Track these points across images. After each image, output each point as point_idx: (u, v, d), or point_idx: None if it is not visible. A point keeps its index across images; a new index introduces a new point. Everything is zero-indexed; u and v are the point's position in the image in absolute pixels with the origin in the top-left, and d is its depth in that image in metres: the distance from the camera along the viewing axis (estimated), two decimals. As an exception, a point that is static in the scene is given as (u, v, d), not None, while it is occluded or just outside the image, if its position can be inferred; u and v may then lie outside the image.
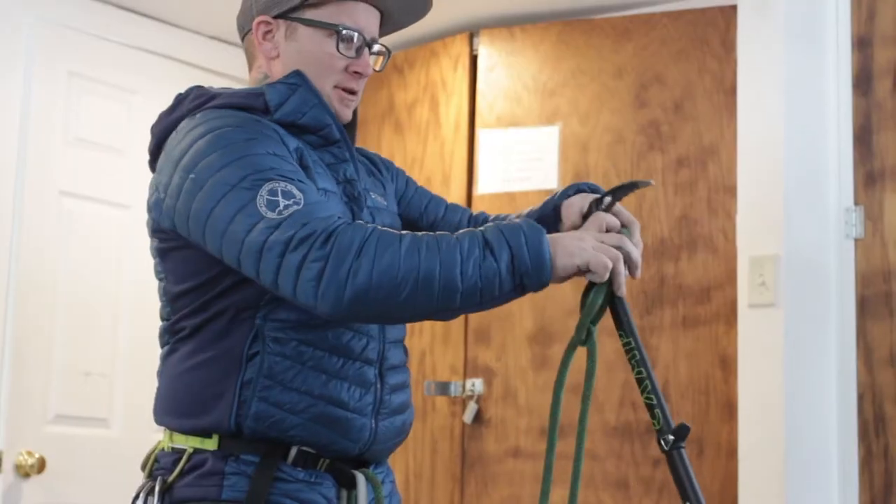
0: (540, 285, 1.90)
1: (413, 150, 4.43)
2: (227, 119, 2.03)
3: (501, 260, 1.86)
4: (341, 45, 2.15)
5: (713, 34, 3.96)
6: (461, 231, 1.90)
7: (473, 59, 4.35)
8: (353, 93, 2.19)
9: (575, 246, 1.96)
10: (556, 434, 2.26)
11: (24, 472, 3.88)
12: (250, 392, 1.99)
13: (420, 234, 1.87)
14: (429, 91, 4.43)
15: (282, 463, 2.01)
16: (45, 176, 4.04)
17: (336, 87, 2.17)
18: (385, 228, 1.88)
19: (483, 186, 4.22)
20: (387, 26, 2.29)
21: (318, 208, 1.89)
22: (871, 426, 3.47)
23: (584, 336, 2.19)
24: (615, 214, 2.21)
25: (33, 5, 4.06)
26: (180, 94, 2.20)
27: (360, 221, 1.90)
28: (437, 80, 4.42)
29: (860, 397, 3.50)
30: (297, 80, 2.14)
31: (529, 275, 1.88)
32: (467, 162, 4.27)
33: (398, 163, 4.45)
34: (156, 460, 2.10)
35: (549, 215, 2.34)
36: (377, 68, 2.26)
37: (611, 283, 2.09)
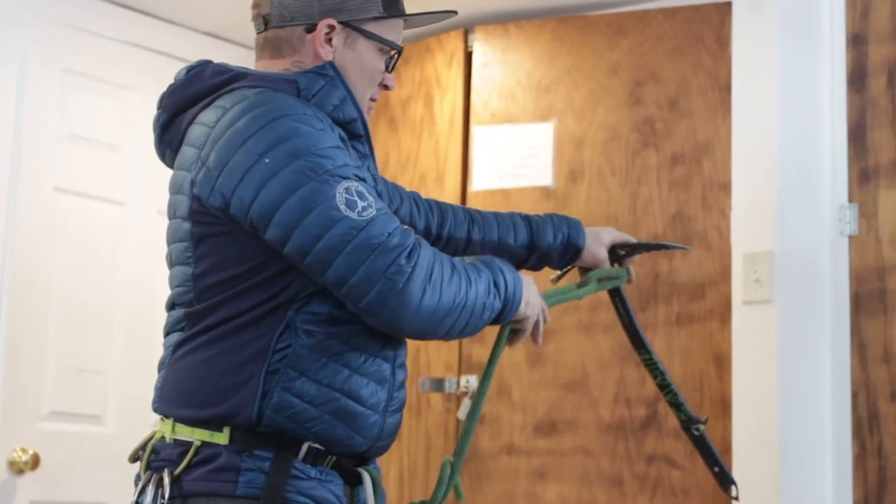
0: (496, 322, 2.17)
1: (407, 146, 4.43)
2: (293, 105, 2.03)
3: (495, 304, 2.10)
4: (388, 62, 2.24)
5: (708, 31, 3.96)
6: (477, 262, 2.11)
7: (468, 56, 4.35)
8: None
9: (534, 298, 2.21)
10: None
11: (18, 469, 3.88)
12: (275, 382, 2.00)
13: (458, 261, 2.06)
14: (423, 87, 4.43)
15: (294, 459, 2.01)
16: (40, 172, 4.04)
17: (370, 97, 2.25)
18: (436, 250, 2.03)
19: (477, 183, 4.22)
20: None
21: (390, 217, 1.98)
22: (866, 423, 3.48)
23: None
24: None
25: (29, 2, 4.05)
26: (193, 68, 2.18)
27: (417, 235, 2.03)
28: (431, 77, 4.42)
29: (854, 394, 3.50)
30: (329, 71, 2.15)
31: (502, 318, 2.15)
32: (462, 159, 4.27)
33: (393, 160, 4.49)
34: (154, 451, 2.08)
35: (554, 250, 2.57)
36: None
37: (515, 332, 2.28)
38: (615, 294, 2.59)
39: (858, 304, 3.53)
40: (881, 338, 3.48)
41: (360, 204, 1.95)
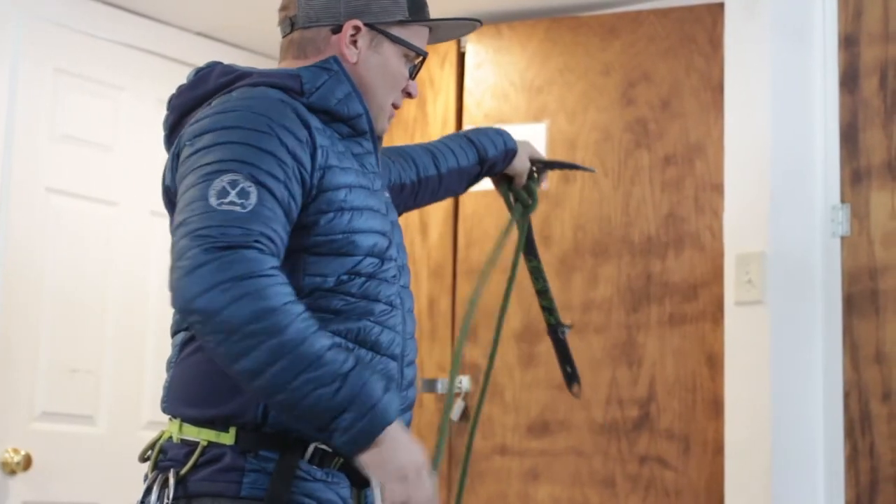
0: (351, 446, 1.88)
1: (400, 147, 4.43)
2: (259, 104, 2.02)
3: (345, 417, 1.84)
4: (412, 69, 2.23)
5: (700, 32, 3.97)
6: (362, 359, 1.92)
7: (461, 57, 4.35)
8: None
9: (413, 474, 1.93)
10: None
11: (9, 470, 3.87)
12: None
13: (298, 338, 1.82)
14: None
15: (300, 461, 1.99)
16: (32, 173, 4.03)
17: (392, 103, 2.23)
18: (285, 289, 1.84)
19: (470, 184, 4.21)
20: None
21: (255, 221, 1.88)
22: (857, 424, 3.48)
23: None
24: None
25: (20, 1, 4.04)
26: (201, 69, 2.17)
27: (272, 257, 1.87)
28: (424, 78, 4.41)
29: (846, 395, 3.51)
30: (333, 65, 2.14)
31: (340, 437, 1.86)
32: (455, 159, 4.27)
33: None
34: (161, 451, 2.05)
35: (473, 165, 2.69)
36: None
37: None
38: (525, 217, 2.83)
39: (850, 305, 3.53)
40: (873, 338, 3.49)
41: (230, 199, 1.88)
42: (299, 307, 1.84)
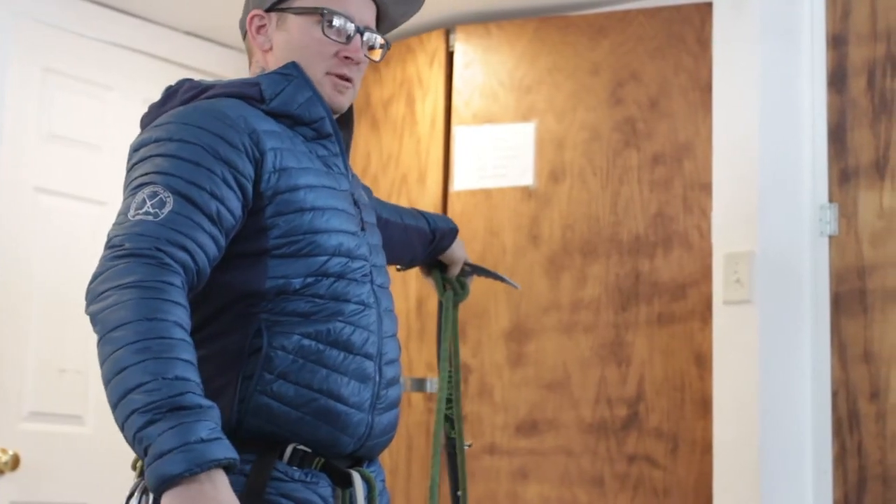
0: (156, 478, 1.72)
1: (389, 146, 4.43)
2: (191, 115, 2.03)
3: (150, 438, 1.71)
4: (328, 29, 2.17)
5: (689, 31, 3.97)
6: (182, 370, 1.77)
7: (449, 56, 4.35)
8: (346, 79, 2.20)
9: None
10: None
11: (-2, 470, 3.87)
12: (252, 386, 1.98)
13: (162, 329, 1.78)
14: (405, 87, 4.43)
15: (278, 462, 2.00)
16: (20, 172, 4.03)
17: (328, 73, 2.18)
18: (159, 298, 1.81)
19: (459, 183, 4.22)
20: (383, 23, 2.33)
21: (164, 231, 1.88)
22: (845, 423, 3.49)
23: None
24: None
25: (8, 1, 4.03)
26: (170, 87, 2.20)
27: (172, 269, 1.85)
28: (413, 77, 4.42)
29: (834, 394, 3.51)
30: (292, 71, 2.16)
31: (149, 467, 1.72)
32: (443, 159, 4.27)
33: (374, 160, 4.49)
34: None
35: (425, 233, 2.74)
36: (375, 58, 2.28)
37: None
38: (455, 306, 2.89)
39: (838, 304, 3.54)
40: (861, 338, 3.50)
41: (146, 209, 1.90)
42: (158, 325, 1.78)
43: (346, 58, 2.18)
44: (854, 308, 3.52)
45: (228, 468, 1.74)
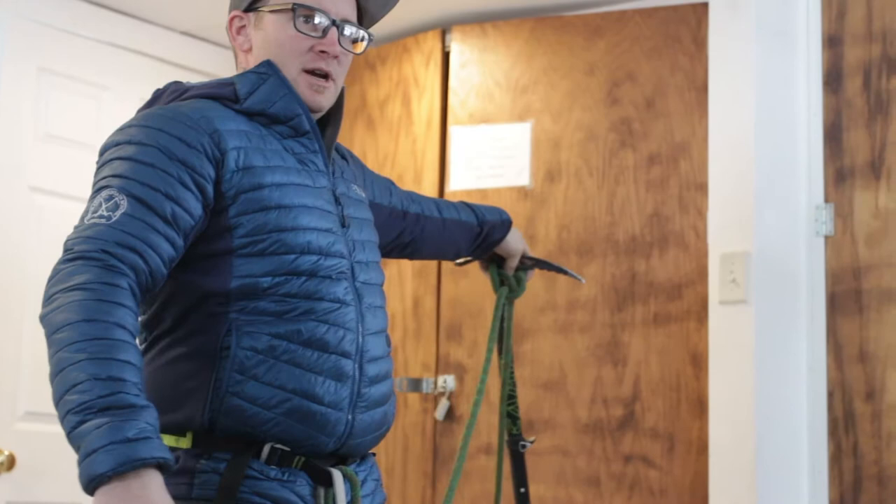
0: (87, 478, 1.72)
1: (385, 146, 4.43)
2: (150, 118, 2.05)
3: (87, 437, 1.72)
4: (300, 24, 2.16)
5: (685, 32, 3.97)
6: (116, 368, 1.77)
7: (446, 56, 4.35)
8: (323, 76, 2.18)
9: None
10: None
11: (-7, 470, 3.87)
12: (223, 388, 1.98)
13: (101, 330, 1.79)
14: (401, 87, 4.43)
15: (254, 461, 1.99)
16: (15, 172, 4.02)
17: (304, 70, 2.17)
18: (102, 300, 1.82)
19: (455, 183, 4.22)
20: (364, 17, 2.31)
21: (114, 233, 1.91)
22: (841, 423, 3.49)
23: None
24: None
25: (3, 0, 4.03)
26: (158, 90, 2.21)
27: (118, 270, 1.87)
28: (409, 77, 4.42)
29: (830, 394, 3.52)
30: (266, 70, 2.15)
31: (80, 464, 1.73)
32: (439, 159, 4.27)
33: (370, 159, 4.48)
34: None
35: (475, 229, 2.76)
36: (356, 51, 2.24)
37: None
38: (510, 303, 2.88)
39: (834, 305, 3.54)
40: (857, 338, 3.50)
41: (100, 212, 1.94)
42: (98, 327, 1.79)
43: (322, 52, 2.17)
44: (850, 308, 3.52)
45: (163, 468, 1.74)
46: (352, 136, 4.51)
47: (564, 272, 2.92)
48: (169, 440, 2.00)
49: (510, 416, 2.84)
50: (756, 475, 3.50)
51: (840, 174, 3.58)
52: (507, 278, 2.84)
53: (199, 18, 4.42)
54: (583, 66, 4.12)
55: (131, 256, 1.90)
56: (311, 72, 2.17)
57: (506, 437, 2.84)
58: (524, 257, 2.84)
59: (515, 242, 2.82)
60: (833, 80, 3.62)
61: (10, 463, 3.89)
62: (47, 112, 4.13)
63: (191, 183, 1.99)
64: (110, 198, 1.95)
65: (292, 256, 2.04)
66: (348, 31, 2.21)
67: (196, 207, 2.00)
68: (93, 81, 4.28)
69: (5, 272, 3.97)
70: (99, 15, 4.31)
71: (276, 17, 2.17)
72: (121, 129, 2.05)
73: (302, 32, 2.16)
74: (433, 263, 4.21)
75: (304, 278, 2.04)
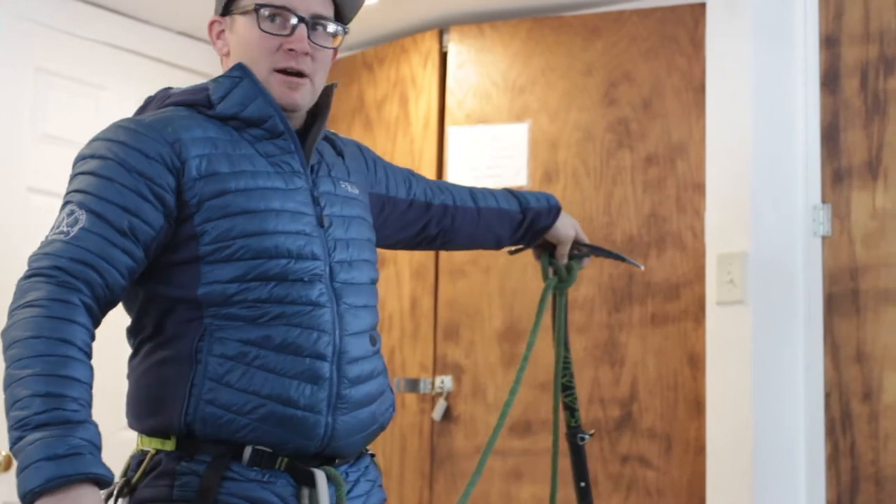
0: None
1: (382, 146, 4.43)
2: (109, 131, 2.07)
3: (27, 453, 1.76)
4: (265, 24, 2.14)
5: (682, 32, 3.97)
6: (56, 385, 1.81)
7: (443, 56, 4.35)
8: (296, 74, 2.16)
9: None
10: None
11: (-10, 470, 3.86)
12: (199, 394, 1.98)
13: (48, 347, 1.84)
14: (398, 88, 4.43)
15: (234, 462, 2.00)
16: (13, 172, 4.02)
17: (275, 70, 2.15)
18: (51, 316, 1.87)
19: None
20: (342, 11, 2.28)
21: (70, 249, 1.94)
22: (838, 423, 3.49)
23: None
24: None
25: (0, 1, 4.03)
26: (150, 97, 2.23)
27: (71, 286, 1.92)
28: (406, 77, 4.41)
29: (827, 394, 3.51)
30: (239, 73, 2.15)
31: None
32: (437, 159, 4.27)
33: (367, 160, 4.46)
34: (128, 463, 2.10)
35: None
36: (333, 45, 2.22)
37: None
38: (562, 292, 2.79)
39: (831, 305, 3.54)
40: (854, 338, 3.50)
41: (61, 228, 1.99)
42: (44, 343, 1.84)
43: (290, 50, 2.15)
44: (847, 308, 3.52)
45: (101, 483, 1.76)
46: (349, 137, 4.50)
47: (622, 259, 2.86)
48: (156, 443, 2.02)
49: (568, 407, 2.78)
50: (753, 475, 3.49)
51: (837, 174, 3.58)
52: (558, 267, 2.77)
53: (196, 19, 4.42)
54: (580, 66, 4.12)
55: (85, 271, 1.93)
56: (283, 71, 2.15)
57: (564, 430, 2.79)
58: (578, 244, 2.77)
59: (566, 229, 2.76)
60: (830, 80, 3.62)
61: (8, 463, 3.88)
62: (45, 112, 4.13)
63: (149, 194, 2.01)
64: (71, 213, 1.99)
65: (260, 261, 2.03)
66: (317, 26, 2.19)
67: (156, 218, 2.01)
68: (90, 82, 4.28)
69: (2, 272, 3.96)
70: (96, 15, 4.31)
71: (244, 18, 2.17)
72: (90, 142, 2.09)
73: (268, 32, 2.15)
74: (431, 265, 4.21)
75: (273, 283, 2.03)
